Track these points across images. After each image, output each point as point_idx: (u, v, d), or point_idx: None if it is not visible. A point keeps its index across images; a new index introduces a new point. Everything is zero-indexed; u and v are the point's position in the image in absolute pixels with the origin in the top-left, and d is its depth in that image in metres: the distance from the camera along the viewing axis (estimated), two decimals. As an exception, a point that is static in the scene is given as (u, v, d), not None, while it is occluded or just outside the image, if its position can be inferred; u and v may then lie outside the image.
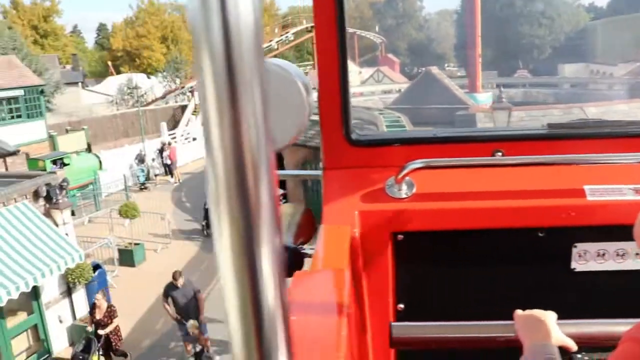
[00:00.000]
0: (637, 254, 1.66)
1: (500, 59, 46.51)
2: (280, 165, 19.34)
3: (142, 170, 23.85)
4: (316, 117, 1.85)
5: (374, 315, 1.73)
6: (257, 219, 0.37)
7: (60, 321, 10.70)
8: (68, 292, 10.89)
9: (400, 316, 1.73)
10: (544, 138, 1.84)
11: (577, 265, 1.68)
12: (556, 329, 1.25)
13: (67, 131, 26.25)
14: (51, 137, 24.12)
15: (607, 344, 1.17)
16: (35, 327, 10.36)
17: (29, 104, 24.41)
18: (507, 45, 47.62)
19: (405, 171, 1.67)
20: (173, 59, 52.64)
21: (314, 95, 1.62)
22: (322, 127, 1.85)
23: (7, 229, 9.42)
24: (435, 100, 20.78)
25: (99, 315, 9.75)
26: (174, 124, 34.81)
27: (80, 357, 9.28)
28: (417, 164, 1.67)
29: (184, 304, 9.74)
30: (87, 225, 17.90)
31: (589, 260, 1.68)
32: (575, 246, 1.67)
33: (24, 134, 23.34)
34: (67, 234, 10.58)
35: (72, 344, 10.75)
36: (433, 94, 21.71)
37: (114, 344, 9.92)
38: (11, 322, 9.82)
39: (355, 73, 37.09)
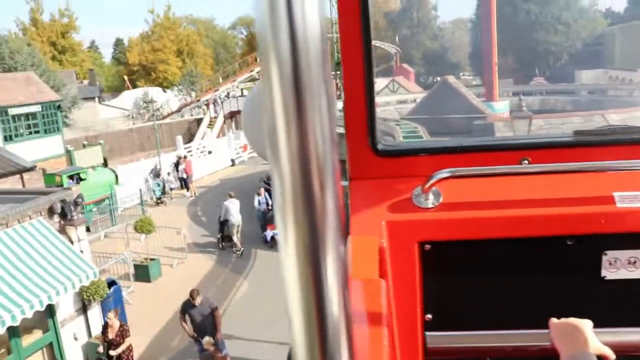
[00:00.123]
0: None
1: (516, 66, 46.14)
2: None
3: (159, 185, 23.86)
4: (340, 129, 1.72)
5: (401, 325, 1.71)
6: (322, 226, 0.37)
7: (76, 339, 10.59)
8: (83, 309, 10.78)
9: (428, 326, 1.72)
10: (570, 145, 1.83)
11: (608, 273, 1.65)
12: (593, 338, 1.24)
13: (84, 146, 26.44)
14: (68, 152, 24.29)
15: None
16: (50, 345, 10.25)
17: (46, 119, 24.66)
18: (523, 52, 47.20)
19: (432, 181, 1.66)
20: (188, 73, 53.10)
21: (339, 105, 1.52)
22: (348, 137, 1.85)
23: (21, 246, 9.35)
24: (452, 110, 20.53)
25: (111, 335, 9.63)
26: (189, 137, 34.95)
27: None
28: (444, 173, 1.66)
29: (201, 321, 9.68)
30: (103, 241, 17.88)
31: (619, 268, 1.65)
32: (606, 254, 1.64)
33: (42, 150, 23.57)
34: (81, 251, 10.50)
35: (87, 361, 10.67)
36: (450, 104, 21.46)
37: (125, 364, 9.82)
38: (26, 340, 9.72)
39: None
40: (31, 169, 18.34)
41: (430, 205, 1.70)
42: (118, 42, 74.91)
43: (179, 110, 42.92)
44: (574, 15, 50.40)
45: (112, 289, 11.51)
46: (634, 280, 1.65)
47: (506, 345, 1.44)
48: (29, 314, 8.54)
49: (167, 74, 59.25)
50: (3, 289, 8.48)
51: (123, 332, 9.74)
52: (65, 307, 10.36)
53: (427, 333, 1.50)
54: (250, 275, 15.02)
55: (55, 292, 9.13)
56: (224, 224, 16.97)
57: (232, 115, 37.77)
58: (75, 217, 10.37)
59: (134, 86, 56.22)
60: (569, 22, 49.62)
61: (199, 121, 37.85)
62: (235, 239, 16.73)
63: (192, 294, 9.68)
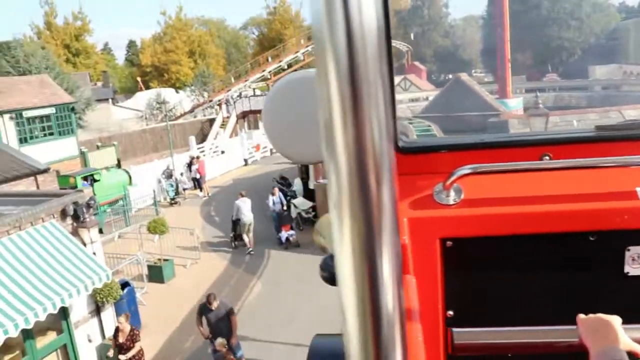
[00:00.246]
0: None
1: (529, 63, 45.66)
2: (307, 176, 19.09)
3: (172, 185, 23.91)
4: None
5: (423, 321, 1.68)
6: (378, 222, 0.37)
7: (90, 340, 10.60)
8: (97, 311, 10.79)
9: (449, 323, 1.71)
10: (592, 141, 1.83)
11: (631, 269, 1.63)
12: (623, 334, 1.21)
13: (97, 147, 26.57)
14: (82, 154, 24.43)
15: None
16: (64, 346, 10.27)
17: (60, 121, 24.89)
18: (535, 48, 46.71)
19: (453, 177, 1.65)
20: (200, 73, 53.33)
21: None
22: None
23: (34, 249, 9.37)
24: (465, 108, 20.31)
25: (121, 339, 9.66)
26: (202, 137, 35.04)
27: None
28: (466, 169, 1.65)
29: (216, 323, 9.76)
30: (117, 242, 17.93)
31: None
32: (629, 249, 1.62)
33: (56, 151, 23.77)
34: (94, 253, 10.50)
35: (101, 362, 10.68)
36: (463, 101, 21.23)
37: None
38: (41, 342, 9.75)
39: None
40: (45, 171, 18.41)
41: (451, 202, 1.69)
42: (131, 44, 75.47)
43: (191, 111, 43.09)
44: (587, 10, 49.79)
45: (125, 291, 11.54)
46: None
47: (533, 342, 1.44)
48: (42, 317, 8.54)
49: (180, 75, 59.53)
50: (16, 292, 8.49)
51: (133, 337, 9.80)
52: (79, 309, 10.37)
53: (455, 329, 1.50)
54: (263, 276, 14.97)
55: (68, 295, 9.13)
56: (236, 223, 16.96)
57: (245, 115, 37.80)
58: (87, 219, 10.37)
59: (147, 87, 56.56)
60: (582, 17, 49.02)
61: (211, 121, 37.95)
62: (245, 238, 16.69)
63: (209, 299, 9.74)
